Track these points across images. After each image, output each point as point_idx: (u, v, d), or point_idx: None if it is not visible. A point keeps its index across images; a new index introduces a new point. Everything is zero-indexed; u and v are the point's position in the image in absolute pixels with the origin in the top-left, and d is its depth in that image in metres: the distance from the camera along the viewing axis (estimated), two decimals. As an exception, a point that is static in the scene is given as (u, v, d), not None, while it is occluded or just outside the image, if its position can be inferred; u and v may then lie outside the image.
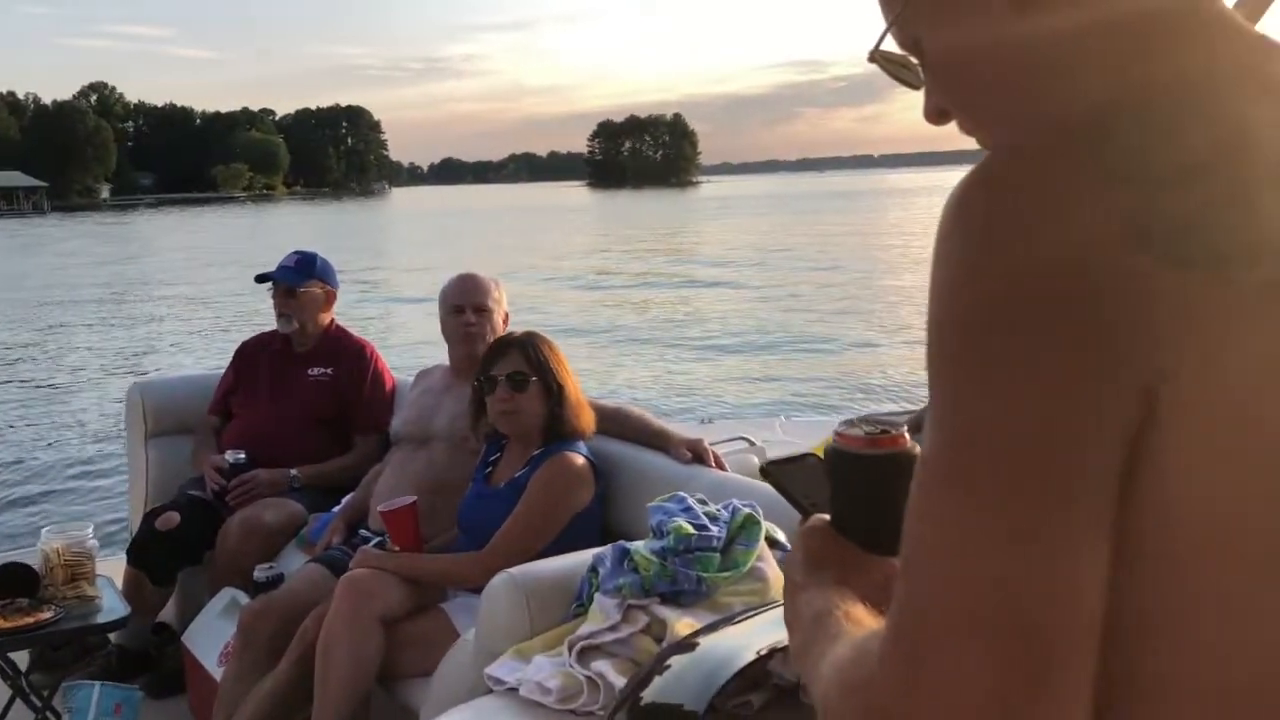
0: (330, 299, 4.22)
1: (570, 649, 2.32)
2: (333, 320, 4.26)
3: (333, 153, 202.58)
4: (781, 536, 2.55)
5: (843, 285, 22.82)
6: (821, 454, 1.00)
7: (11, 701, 3.21)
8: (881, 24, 0.88)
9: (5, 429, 11.06)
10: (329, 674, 2.82)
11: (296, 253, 4.24)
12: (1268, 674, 0.68)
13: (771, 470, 1.08)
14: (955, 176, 0.74)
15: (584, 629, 2.35)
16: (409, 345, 13.41)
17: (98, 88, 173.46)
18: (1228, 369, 0.65)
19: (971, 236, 0.68)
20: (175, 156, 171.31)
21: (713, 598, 2.38)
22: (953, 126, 0.87)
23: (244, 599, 3.40)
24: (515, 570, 2.58)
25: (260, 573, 3.42)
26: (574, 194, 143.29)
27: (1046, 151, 0.69)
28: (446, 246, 38.17)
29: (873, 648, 0.71)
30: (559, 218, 67.92)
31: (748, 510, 2.53)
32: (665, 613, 2.33)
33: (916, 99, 0.90)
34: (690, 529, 2.45)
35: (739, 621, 2.13)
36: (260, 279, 4.26)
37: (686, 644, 2.06)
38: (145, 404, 4.30)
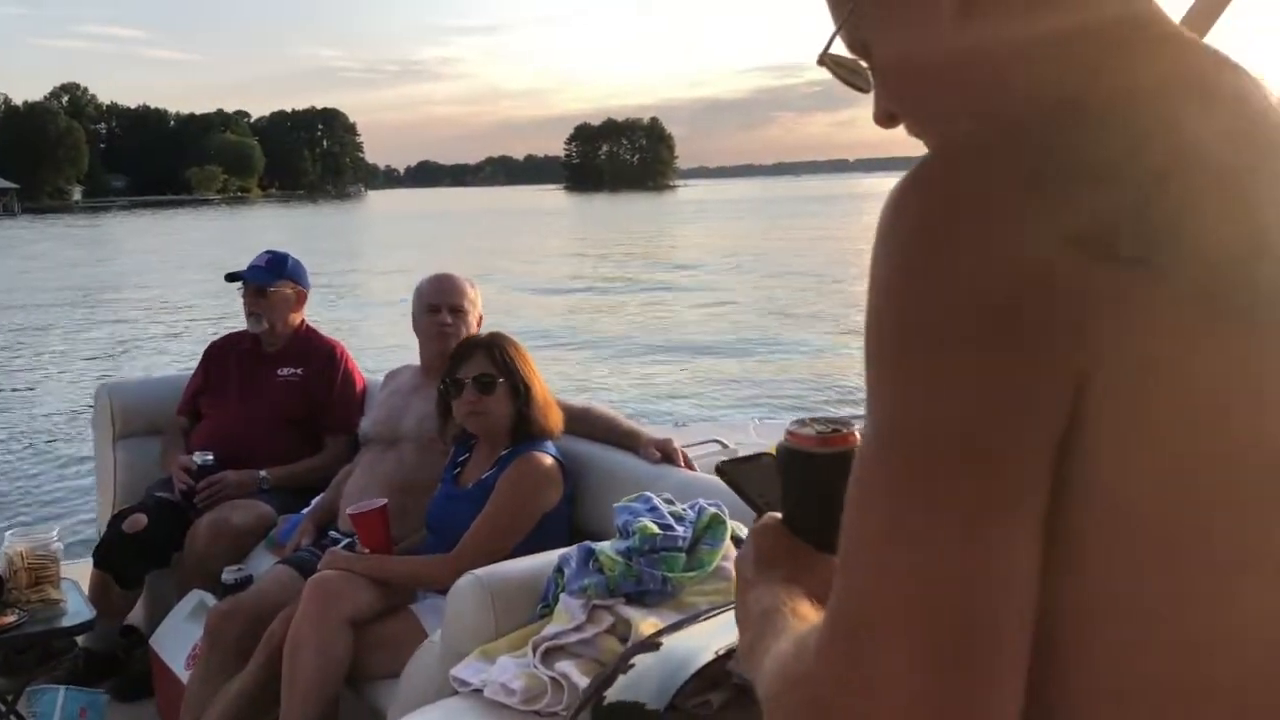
0: (301, 299, 4.21)
1: (535, 650, 2.32)
2: (303, 321, 4.24)
3: (308, 155, 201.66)
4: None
5: (817, 289, 22.89)
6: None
7: (-25, 705, 3.19)
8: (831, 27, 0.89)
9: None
10: (296, 676, 2.81)
11: (268, 252, 4.22)
12: (1198, 669, 0.69)
13: (727, 469, 1.09)
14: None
15: (549, 630, 2.35)
16: (383, 350, 13.36)
17: (70, 88, 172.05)
18: (1157, 367, 0.66)
19: (905, 237, 0.69)
20: (149, 158, 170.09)
21: (678, 597, 2.39)
22: None
23: (212, 601, 3.38)
24: (481, 571, 2.58)
25: (228, 575, 3.40)
26: (551, 197, 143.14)
27: (978, 153, 0.70)
28: (421, 249, 38.02)
29: (813, 642, 0.71)
30: (536, 221, 67.84)
31: (714, 510, 2.54)
32: (630, 613, 2.34)
33: None
34: (655, 529, 2.46)
35: (703, 620, 2.14)
36: (230, 278, 4.24)
37: (650, 643, 2.06)
38: (113, 405, 4.27)
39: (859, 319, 0.70)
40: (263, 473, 3.91)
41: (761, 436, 5.53)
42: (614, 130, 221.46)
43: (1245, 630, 0.69)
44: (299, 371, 4.11)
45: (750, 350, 15.47)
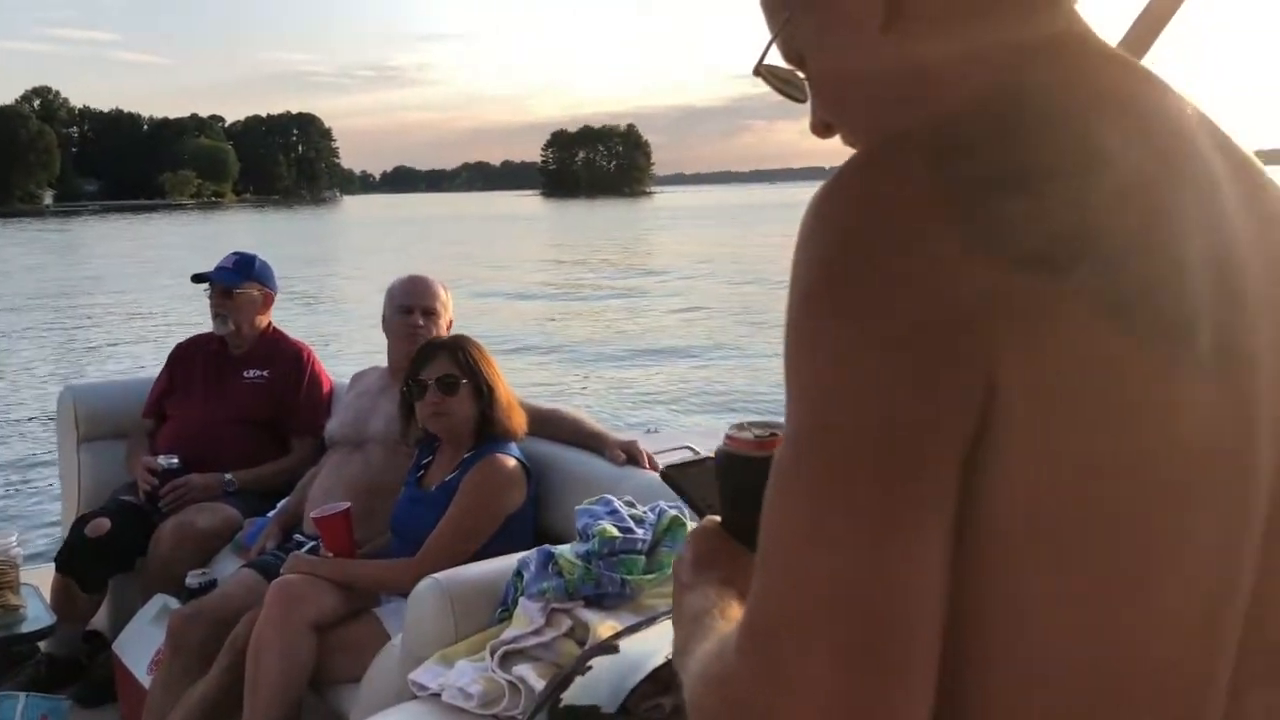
0: (268, 301, 4.19)
1: (492, 653, 2.32)
2: (270, 323, 4.22)
3: (283, 160, 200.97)
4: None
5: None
6: None
7: (-67, 713, 3.15)
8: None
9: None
10: (259, 680, 2.79)
11: (235, 254, 4.20)
12: (1110, 668, 0.70)
13: (671, 474, 1.09)
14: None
15: (507, 633, 2.35)
16: (357, 356, 13.31)
17: (41, 92, 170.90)
18: (1062, 372, 0.67)
19: (820, 245, 0.70)
20: (122, 163, 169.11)
21: (637, 600, 2.40)
22: None
23: (176, 605, 3.36)
24: (440, 575, 2.57)
25: (193, 578, 3.38)
26: (528, 203, 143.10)
27: (893, 162, 0.71)
28: (396, 254, 37.90)
29: (732, 642, 0.72)
30: (512, 226, 67.74)
31: (674, 513, 2.54)
32: (588, 616, 2.34)
33: None
34: (615, 532, 2.46)
35: (661, 623, 2.14)
36: (197, 279, 4.21)
37: (608, 646, 2.06)
38: (77, 408, 4.24)
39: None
40: (228, 475, 3.88)
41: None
42: (591, 137, 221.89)
43: (1160, 629, 0.71)
44: (265, 373, 4.08)
45: (725, 356, 15.50)
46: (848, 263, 0.68)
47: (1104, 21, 0.85)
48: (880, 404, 0.66)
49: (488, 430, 3.07)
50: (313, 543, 3.28)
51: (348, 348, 14.37)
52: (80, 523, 3.76)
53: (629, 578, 2.40)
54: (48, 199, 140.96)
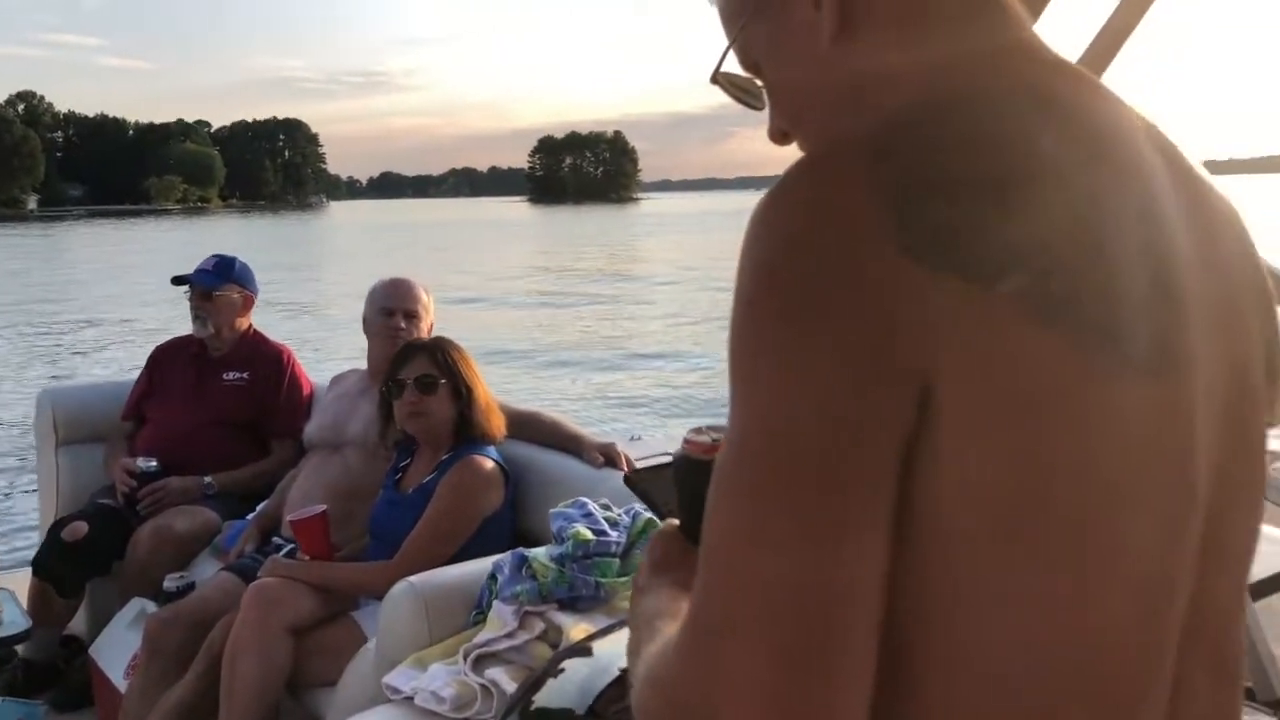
0: (248, 304, 4.17)
1: (465, 657, 2.32)
2: (250, 325, 4.21)
3: (269, 165, 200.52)
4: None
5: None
6: None
7: (-93, 718, 3.13)
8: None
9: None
10: (235, 684, 2.78)
11: (215, 256, 4.18)
12: (1042, 663, 0.71)
13: (634, 479, 1.10)
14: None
15: (480, 636, 2.34)
16: (341, 362, 13.26)
17: (25, 96, 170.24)
18: (992, 374, 0.68)
19: (761, 246, 0.71)
20: (107, 168, 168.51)
21: (611, 603, 2.40)
22: None
23: (154, 609, 3.34)
24: (415, 578, 2.57)
25: (170, 582, 3.36)
26: (515, 209, 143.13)
27: (829, 165, 0.72)
28: (380, 260, 37.82)
29: (674, 643, 0.73)
30: (499, 232, 67.69)
31: (649, 516, 2.54)
32: (562, 619, 2.34)
33: None
34: (589, 535, 2.46)
35: (634, 625, 2.13)
36: (177, 281, 4.20)
37: (580, 648, 2.06)
38: (55, 412, 4.21)
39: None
40: (208, 478, 3.87)
41: (716, 448, 5.52)
42: (577, 143, 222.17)
43: (1100, 627, 0.71)
44: (245, 376, 4.07)
45: (709, 362, 15.50)
46: (789, 267, 0.69)
47: (1067, 39, 0.86)
48: (820, 407, 0.66)
49: (466, 432, 3.07)
50: (291, 546, 3.26)
51: (331, 353, 14.32)
52: (58, 526, 3.74)
53: (603, 580, 2.40)
54: (32, 204, 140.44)
